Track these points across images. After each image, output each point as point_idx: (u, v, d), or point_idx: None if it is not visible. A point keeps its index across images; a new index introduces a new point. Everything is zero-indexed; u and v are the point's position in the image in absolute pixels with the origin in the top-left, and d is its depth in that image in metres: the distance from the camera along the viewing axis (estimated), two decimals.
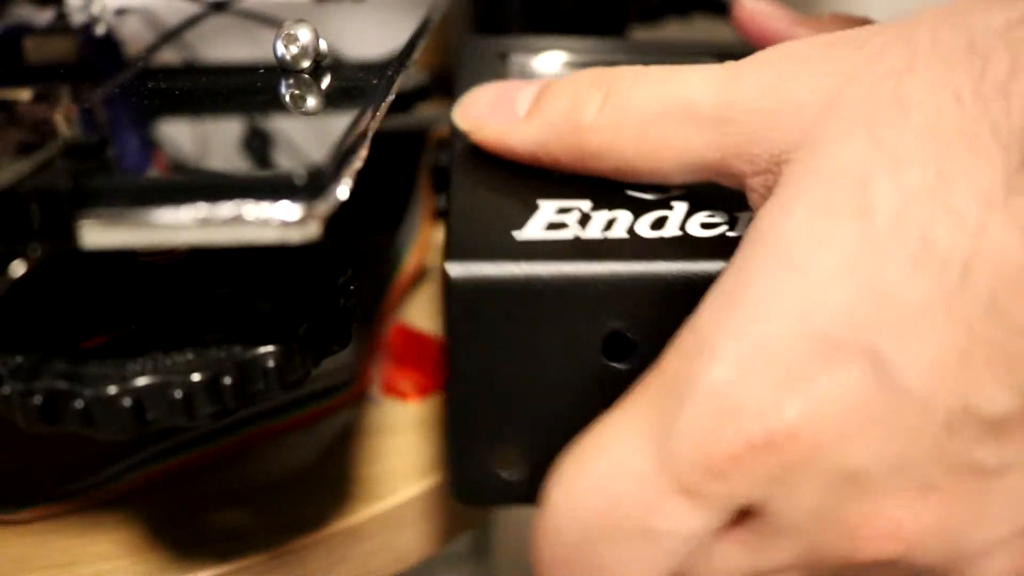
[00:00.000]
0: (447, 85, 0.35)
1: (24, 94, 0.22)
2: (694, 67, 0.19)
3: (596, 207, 0.20)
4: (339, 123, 0.19)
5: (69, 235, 0.16)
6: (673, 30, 0.45)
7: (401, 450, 0.28)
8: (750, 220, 0.18)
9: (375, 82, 0.22)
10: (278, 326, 0.20)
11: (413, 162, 0.36)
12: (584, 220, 0.19)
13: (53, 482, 0.25)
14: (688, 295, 0.17)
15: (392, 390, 0.30)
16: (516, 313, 0.18)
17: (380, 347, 0.31)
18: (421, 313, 0.34)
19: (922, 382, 0.15)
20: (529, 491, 0.19)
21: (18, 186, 0.16)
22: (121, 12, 0.30)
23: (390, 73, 0.23)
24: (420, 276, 0.36)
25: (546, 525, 0.17)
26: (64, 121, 0.20)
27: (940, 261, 0.15)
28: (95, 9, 0.30)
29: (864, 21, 0.25)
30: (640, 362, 0.18)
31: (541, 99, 0.20)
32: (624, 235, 0.19)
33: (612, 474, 0.16)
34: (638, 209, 0.20)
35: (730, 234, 0.19)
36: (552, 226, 0.19)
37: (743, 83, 0.18)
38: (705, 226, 0.19)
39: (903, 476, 0.16)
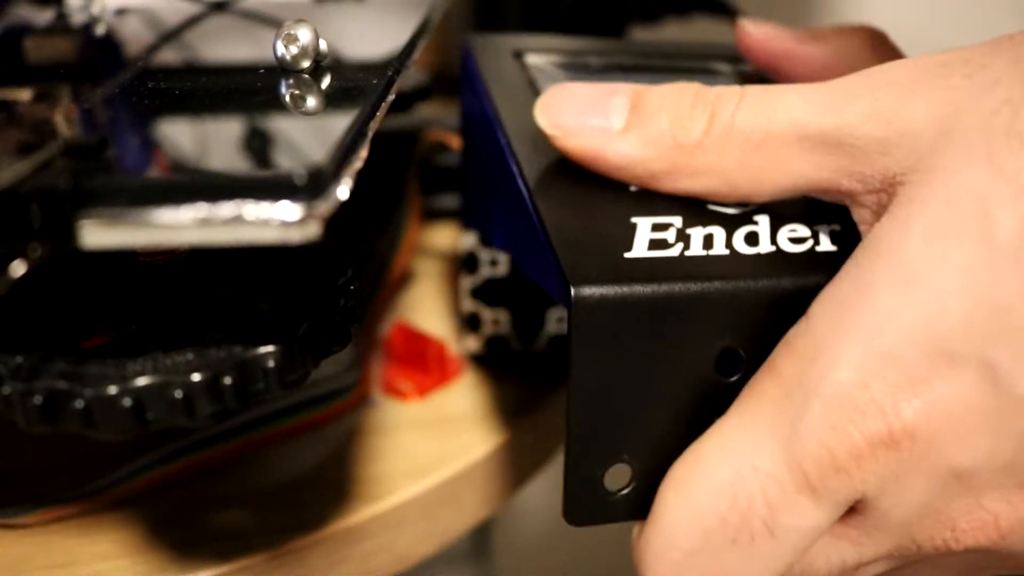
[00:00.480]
0: (447, 85, 0.36)
1: (24, 94, 0.22)
2: (790, 88, 0.19)
3: (687, 223, 0.20)
4: (339, 123, 0.19)
5: (69, 235, 0.16)
6: (673, 30, 0.45)
7: (401, 450, 0.28)
8: (831, 233, 0.20)
9: (375, 82, 0.22)
10: (278, 326, 0.20)
11: (403, 164, 0.36)
12: (683, 238, 0.20)
13: (57, 486, 0.25)
14: (792, 309, 0.18)
15: (392, 390, 0.30)
16: (635, 332, 0.18)
17: (374, 349, 0.31)
18: (422, 313, 0.34)
19: None
20: (639, 507, 0.19)
21: (18, 186, 0.16)
22: (121, 12, 0.30)
23: (390, 73, 0.23)
24: (406, 278, 0.36)
25: (659, 534, 0.18)
26: (64, 121, 0.20)
27: None
28: (95, 9, 0.30)
29: (869, 31, 0.25)
30: (747, 374, 0.19)
31: (639, 112, 0.20)
32: (726, 252, 0.19)
33: (737, 475, 0.17)
34: (727, 224, 0.20)
35: (819, 249, 0.20)
36: (655, 244, 0.19)
37: (851, 106, 0.18)
38: (794, 240, 0.20)
39: (1006, 474, 0.17)
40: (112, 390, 0.18)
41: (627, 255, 0.19)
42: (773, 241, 0.20)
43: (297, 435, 0.28)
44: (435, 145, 0.37)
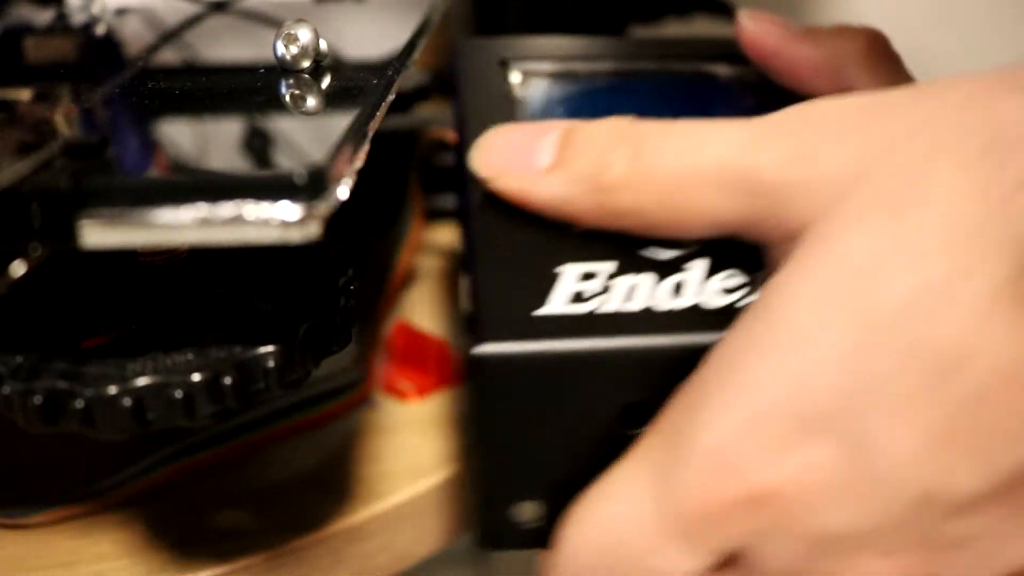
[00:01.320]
0: (447, 85, 0.36)
1: (24, 94, 0.22)
2: (718, 125, 0.19)
3: (618, 271, 0.20)
4: (339, 123, 0.19)
5: (69, 235, 0.16)
6: (673, 30, 0.45)
7: (401, 450, 0.28)
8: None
9: (375, 82, 0.22)
10: (278, 326, 0.20)
11: (404, 162, 0.36)
12: (604, 290, 0.20)
13: (65, 485, 0.25)
14: (696, 365, 0.18)
15: (392, 390, 0.30)
16: (537, 386, 0.19)
17: (380, 347, 0.31)
18: (423, 313, 0.34)
19: (896, 467, 0.16)
20: (547, 537, 0.20)
21: (18, 186, 0.16)
22: (121, 12, 0.30)
23: (390, 73, 0.23)
24: (410, 277, 0.36)
25: (556, 564, 0.19)
26: (64, 121, 0.20)
27: (935, 355, 0.16)
28: (95, 9, 0.30)
29: (868, 34, 0.25)
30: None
31: (564, 151, 0.20)
32: (642, 307, 0.19)
33: (617, 519, 0.18)
34: (658, 272, 0.20)
35: (746, 301, 0.19)
36: (572, 299, 0.19)
37: (770, 149, 0.18)
38: (725, 291, 0.20)
39: (871, 541, 0.17)
40: (112, 390, 0.18)
41: (538, 312, 0.19)
42: (700, 293, 0.20)
43: (299, 434, 0.28)
44: (435, 143, 0.37)
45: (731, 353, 0.17)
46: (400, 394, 0.30)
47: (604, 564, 0.18)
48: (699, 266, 0.20)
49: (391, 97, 0.22)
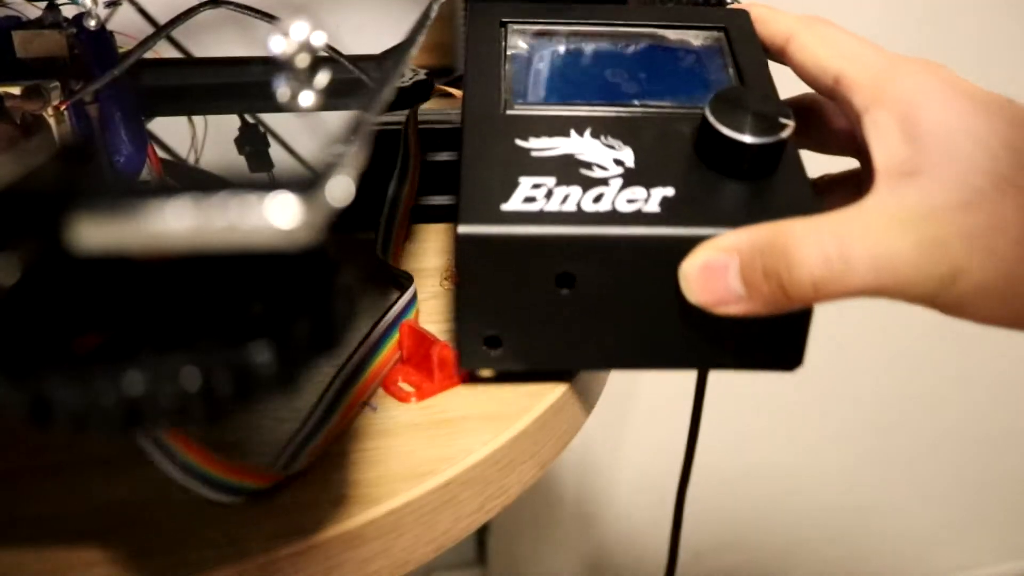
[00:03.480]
0: (447, 82, 0.35)
1: (16, 90, 0.22)
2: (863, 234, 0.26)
3: (558, 183, 0.28)
4: (338, 120, 0.19)
5: (62, 238, 0.16)
6: None
7: (399, 453, 0.28)
8: (662, 198, 0.28)
9: (374, 78, 0.21)
10: (272, 326, 0.20)
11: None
12: (548, 195, 0.28)
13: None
14: (611, 249, 0.27)
15: (393, 392, 0.30)
16: (500, 257, 0.27)
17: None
18: (426, 314, 0.34)
19: None
20: (510, 361, 0.29)
21: (14, 186, 0.16)
22: (112, 4, 0.29)
23: (389, 69, 0.22)
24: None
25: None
26: (56, 119, 0.20)
27: None
28: (87, 2, 0.29)
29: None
30: (578, 289, 0.28)
31: (751, 284, 0.27)
32: (573, 208, 0.27)
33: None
34: (586, 185, 0.28)
35: (644, 210, 0.27)
36: (527, 200, 0.27)
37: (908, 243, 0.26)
38: (629, 201, 0.28)
39: None
40: (106, 391, 0.18)
41: (502, 206, 0.27)
42: (612, 202, 0.27)
43: None
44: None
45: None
46: (401, 396, 0.30)
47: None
48: (614, 184, 0.28)
49: (390, 92, 0.22)
